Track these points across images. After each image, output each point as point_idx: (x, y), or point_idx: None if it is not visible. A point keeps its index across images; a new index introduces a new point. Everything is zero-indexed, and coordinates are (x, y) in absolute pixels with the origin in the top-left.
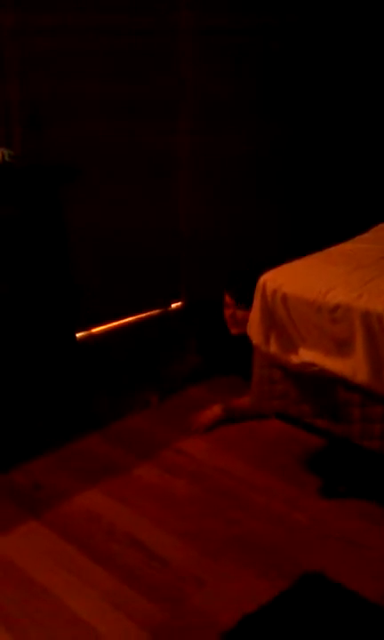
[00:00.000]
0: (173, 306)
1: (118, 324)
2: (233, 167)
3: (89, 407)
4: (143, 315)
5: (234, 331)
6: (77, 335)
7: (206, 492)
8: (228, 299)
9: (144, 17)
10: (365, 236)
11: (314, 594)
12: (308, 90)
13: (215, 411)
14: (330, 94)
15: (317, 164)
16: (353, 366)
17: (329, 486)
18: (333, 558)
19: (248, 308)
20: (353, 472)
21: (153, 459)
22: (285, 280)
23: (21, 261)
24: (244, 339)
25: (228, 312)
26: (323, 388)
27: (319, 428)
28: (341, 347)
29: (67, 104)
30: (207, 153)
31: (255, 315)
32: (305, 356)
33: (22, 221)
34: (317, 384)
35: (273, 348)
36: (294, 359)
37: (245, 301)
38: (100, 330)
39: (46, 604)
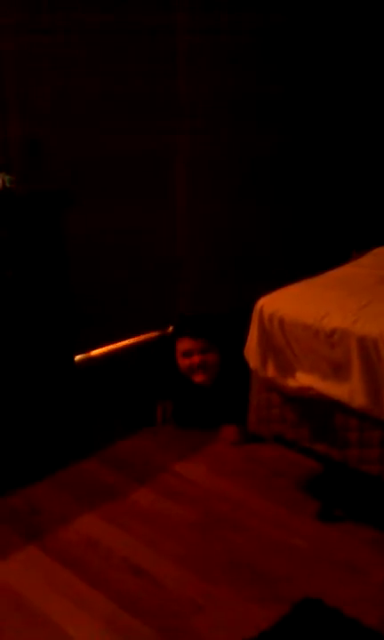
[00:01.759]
0: (171, 328)
1: (116, 347)
2: (233, 170)
3: (87, 431)
4: (141, 337)
5: (197, 379)
6: (76, 358)
7: (204, 516)
8: (183, 344)
9: (142, 16)
10: (362, 260)
11: (313, 620)
12: (310, 91)
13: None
14: (332, 95)
15: (318, 168)
16: (350, 391)
17: (327, 510)
18: (332, 583)
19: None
20: (351, 496)
21: (151, 483)
22: (282, 304)
23: (21, 286)
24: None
25: (186, 362)
26: (320, 412)
27: (317, 453)
28: (338, 371)
29: (65, 105)
30: (206, 156)
31: (252, 338)
32: (302, 380)
33: (22, 247)
34: (315, 408)
35: (270, 371)
36: (292, 383)
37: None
38: (98, 352)
39: (44, 630)
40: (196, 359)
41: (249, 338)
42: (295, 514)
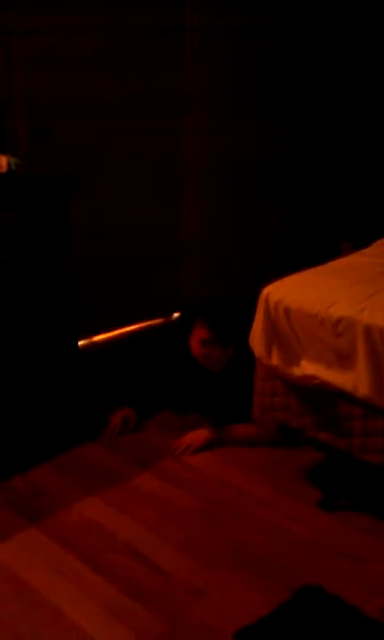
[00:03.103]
0: (175, 315)
1: (120, 333)
2: (238, 169)
3: (90, 416)
4: (144, 324)
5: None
6: (79, 343)
7: (206, 502)
8: (201, 331)
9: (149, 16)
10: (369, 249)
11: (313, 607)
12: (316, 91)
13: (204, 433)
14: (338, 95)
15: (323, 168)
16: (355, 380)
17: (329, 499)
18: (333, 572)
19: (226, 346)
20: (353, 485)
21: (154, 468)
22: (288, 292)
23: (25, 270)
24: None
25: (198, 349)
26: (324, 401)
27: (320, 441)
28: (343, 360)
29: (72, 103)
30: (213, 154)
31: (258, 327)
32: (307, 368)
33: (27, 229)
34: (319, 397)
35: (275, 360)
36: (296, 372)
37: (224, 340)
38: (101, 338)
39: (45, 613)
40: (209, 350)
41: (254, 326)
42: (297, 502)
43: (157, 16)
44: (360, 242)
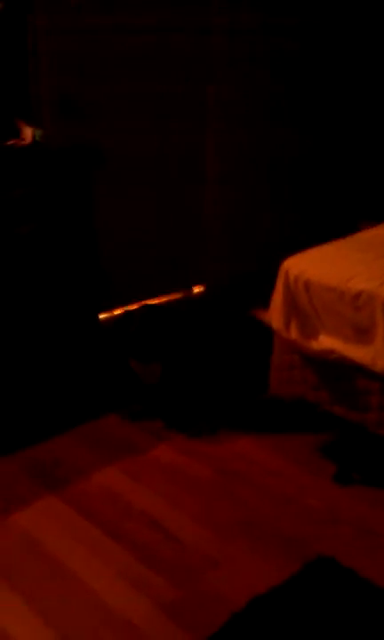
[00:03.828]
0: (196, 290)
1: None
2: (260, 167)
3: (109, 388)
4: (165, 298)
5: (144, 381)
6: (100, 316)
7: (222, 474)
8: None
9: (176, 17)
10: None
11: (325, 578)
12: (339, 90)
13: None
14: (359, 94)
15: (346, 168)
16: (373, 354)
17: (344, 473)
18: (345, 544)
19: (146, 363)
20: (368, 460)
21: (171, 440)
22: (308, 266)
23: (47, 242)
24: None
25: (133, 362)
26: (342, 375)
27: (336, 416)
28: (362, 334)
29: (97, 104)
30: (235, 151)
31: (277, 300)
32: (325, 342)
33: (51, 200)
34: (336, 371)
35: (293, 333)
36: (314, 345)
37: (142, 358)
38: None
39: (62, 578)
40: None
41: (273, 299)
42: (312, 475)
43: (185, 17)
44: (380, 221)
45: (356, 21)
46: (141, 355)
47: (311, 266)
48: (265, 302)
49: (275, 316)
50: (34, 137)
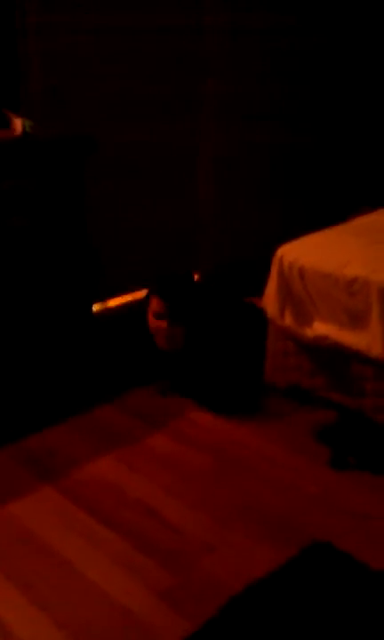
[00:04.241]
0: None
1: (134, 298)
2: (255, 156)
3: (103, 379)
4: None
5: (165, 346)
6: (94, 308)
7: (218, 461)
8: (156, 305)
9: (169, 16)
10: None
11: (322, 562)
12: (334, 88)
13: None
14: (355, 93)
15: (341, 156)
16: (368, 340)
17: (339, 458)
18: (342, 529)
19: (180, 324)
20: (363, 445)
21: (166, 429)
22: (303, 253)
23: (40, 233)
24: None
25: (156, 324)
26: (336, 361)
27: (332, 401)
28: (357, 320)
29: (90, 101)
30: (230, 145)
31: (271, 287)
32: (320, 329)
33: (43, 192)
34: (331, 357)
35: (288, 320)
36: (309, 332)
37: (178, 317)
38: (116, 303)
39: (58, 568)
40: (163, 324)
41: (267, 286)
42: (308, 461)
43: (178, 17)
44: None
45: (348, 18)
46: (173, 310)
47: (305, 252)
48: (260, 290)
49: (269, 303)
50: (24, 128)
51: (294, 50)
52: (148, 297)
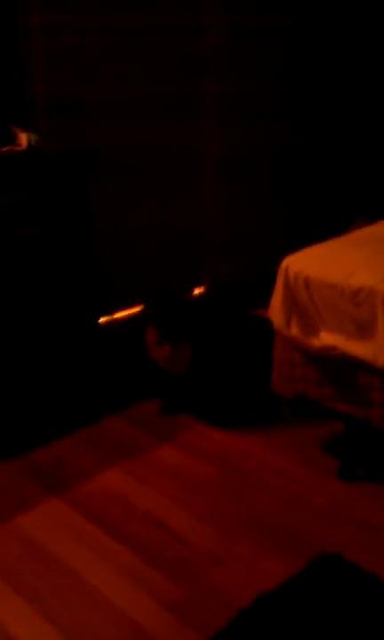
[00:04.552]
0: (196, 291)
1: (141, 310)
2: (257, 167)
3: (110, 390)
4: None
5: (169, 370)
6: (101, 320)
7: (226, 473)
8: (152, 334)
9: (168, 16)
10: None
11: (331, 574)
12: (333, 88)
13: None
14: (354, 91)
15: (342, 166)
16: (374, 350)
17: (347, 469)
18: (351, 540)
19: (176, 343)
20: (371, 455)
21: (174, 440)
22: (308, 263)
23: (46, 246)
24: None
25: (156, 352)
26: (343, 371)
27: (339, 412)
28: (363, 330)
29: (91, 102)
30: (231, 151)
31: (277, 298)
32: (326, 339)
33: (48, 206)
34: (338, 367)
35: (294, 330)
36: (315, 342)
37: (172, 337)
38: (123, 315)
39: (66, 580)
40: (165, 351)
41: (273, 297)
42: (316, 472)
43: (177, 17)
44: (375, 216)
45: (348, 18)
46: (172, 333)
47: (311, 263)
48: (266, 302)
49: (275, 313)
50: (29, 142)
51: (294, 50)
52: (145, 326)
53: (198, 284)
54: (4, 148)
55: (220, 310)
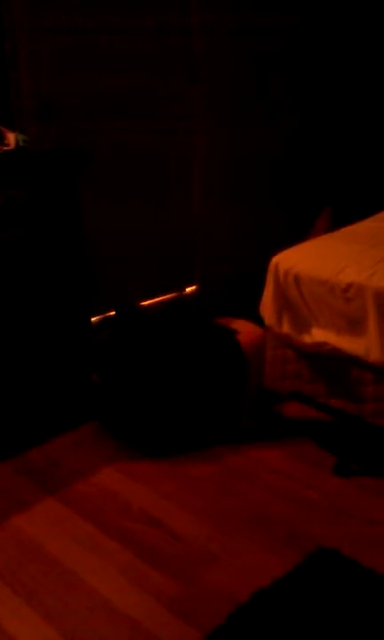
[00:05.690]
0: (188, 290)
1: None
2: (245, 167)
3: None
4: (158, 299)
5: None
6: (93, 319)
7: (221, 470)
8: None
9: (157, 16)
10: (379, 215)
11: (328, 569)
12: (325, 90)
13: None
14: (346, 94)
15: (332, 167)
16: (366, 345)
17: (343, 465)
18: (348, 535)
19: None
20: (367, 450)
21: None
22: (298, 260)
23: (36, 245)
24: None
25: None
26: (335, 367)
27: (332, 408)
28: (354, 326)
29: (79, 104)
30: (221, 152)
31: (268, 295)
32: (318, 335)
33: (37, 206)
34: (330, 363)
35: (285, 328)
36: (307, 339)
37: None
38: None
39: (63, 578)
40: None
41: (264, 295)
42: (312, 468)
43: (165, 17)
44: (340, 207)
45: (347, 18)
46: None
47: (300, 260)
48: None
49: (266, 311)
50: (17, 142)
51: (290, 50)
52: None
53: (190, 283)
54: None
55: (175, 324)
